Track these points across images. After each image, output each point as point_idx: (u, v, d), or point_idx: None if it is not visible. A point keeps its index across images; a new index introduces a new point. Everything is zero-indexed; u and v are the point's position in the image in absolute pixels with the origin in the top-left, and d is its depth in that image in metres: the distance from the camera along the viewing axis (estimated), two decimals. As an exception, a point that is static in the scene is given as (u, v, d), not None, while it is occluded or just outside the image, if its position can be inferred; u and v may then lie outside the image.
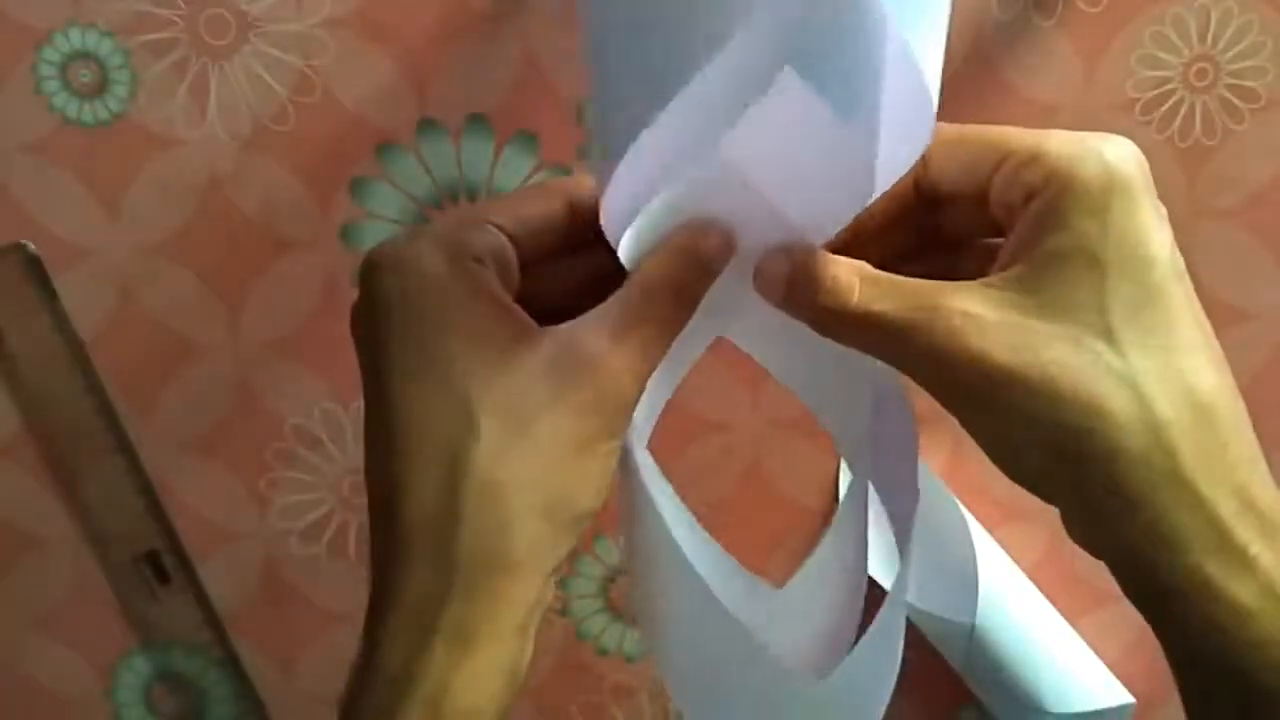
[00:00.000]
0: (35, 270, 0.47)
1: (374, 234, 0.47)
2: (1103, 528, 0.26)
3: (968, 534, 0.46)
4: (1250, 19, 0.44)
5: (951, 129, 0.29)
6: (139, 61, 0.45)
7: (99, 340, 0.48)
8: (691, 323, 0.29)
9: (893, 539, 0.32)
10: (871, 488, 0.33)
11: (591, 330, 0.27)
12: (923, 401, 0.29)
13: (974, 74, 0.44)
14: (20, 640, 0.52)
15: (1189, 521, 0.25)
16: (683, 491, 0.34)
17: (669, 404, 0.34)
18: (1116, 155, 0.26)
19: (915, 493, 0.31)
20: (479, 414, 0.26)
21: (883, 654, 0.31)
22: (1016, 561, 0.50)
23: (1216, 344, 0.27)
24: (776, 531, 0.50)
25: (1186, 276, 0.27)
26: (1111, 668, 0.49)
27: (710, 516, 0.40)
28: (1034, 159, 0.27)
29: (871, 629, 0.30)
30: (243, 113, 0.46)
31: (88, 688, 0.52)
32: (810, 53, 0.24)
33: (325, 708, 0.52)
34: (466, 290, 0.27)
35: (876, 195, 0.28)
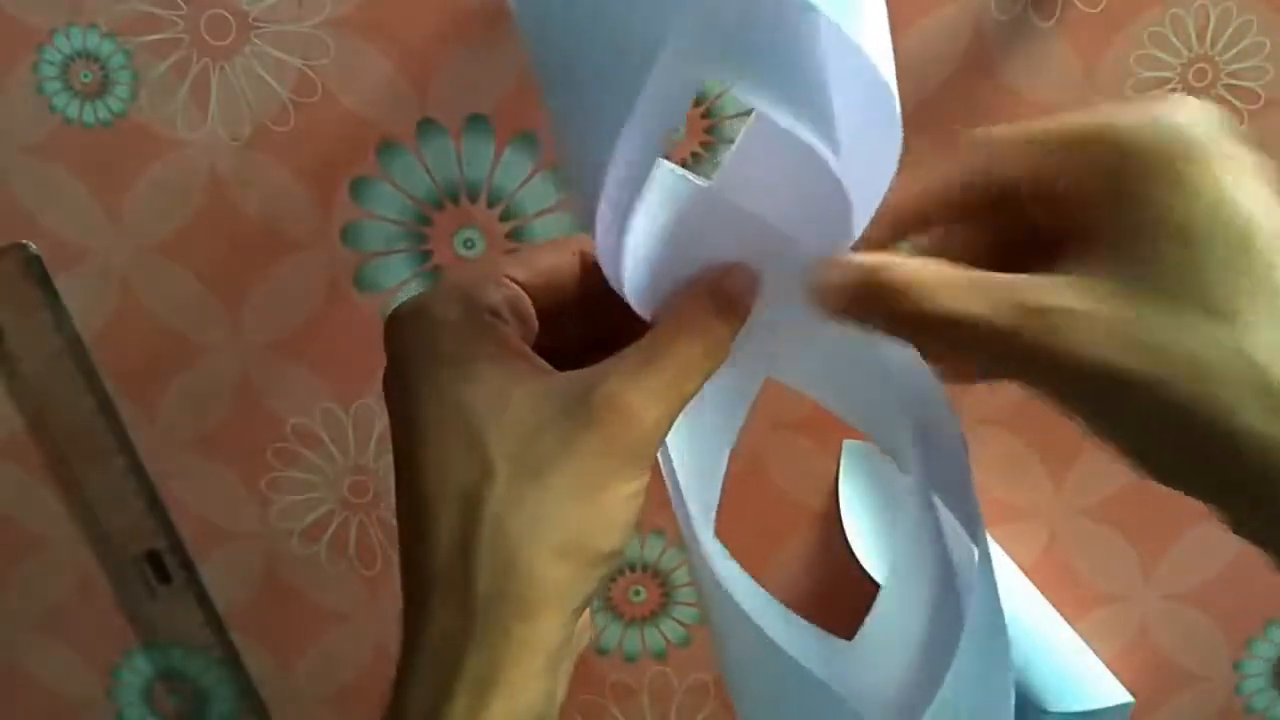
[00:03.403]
0: (35, 270, 0.47)
1: (374, 234, 0.47)
2: (1250, 523, 0.24)
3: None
4: (1249, 19, 0.44)
5: (1012, 128, 0.27)
6: (140, 62, 0.45)
7: (99, 340, 0.48)
8: (733, 373, 0.28)
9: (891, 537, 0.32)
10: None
11: (610, 372, 0.27)
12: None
13: (973, 75, 0.44)
14: (20, 640, 0.52)
15: None
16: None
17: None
18: (1174, 122, 0.25)
19: (976, 501, 0.29)
20: (493, 457, 0.26)
21: (981, 679, 0.28)
22: (1016, 561, 0.50)
23: None
24: (777, 531, 0.50)
25: None
26: (1111, 668, 0.49)
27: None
28: (1097, 137, 0.25)
29: (960, 651, 0.27)
30: (243, 113, 0.46)
31: (88, 687, 0.52)
32: (743, 56, 0.23)
33: (325, 707, 0.52)
34: (482, 338, 0.27)
35: (862, 208, 0.26)
